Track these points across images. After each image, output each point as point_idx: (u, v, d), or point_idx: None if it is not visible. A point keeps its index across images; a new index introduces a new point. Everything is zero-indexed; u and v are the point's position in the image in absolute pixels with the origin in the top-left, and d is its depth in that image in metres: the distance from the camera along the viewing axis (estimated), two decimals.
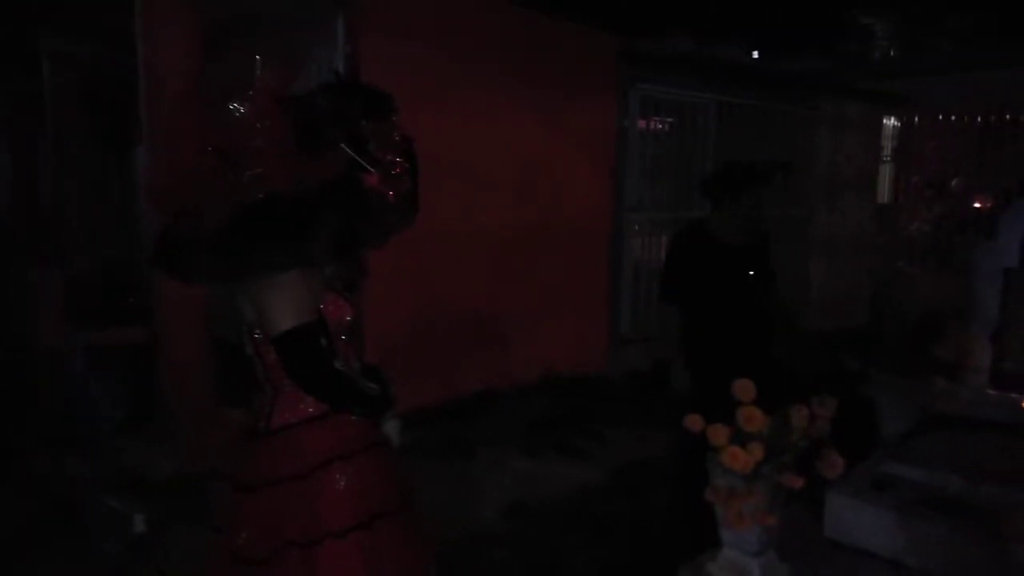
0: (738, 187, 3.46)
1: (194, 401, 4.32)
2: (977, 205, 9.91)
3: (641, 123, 7.15)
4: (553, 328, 6.38)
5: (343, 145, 1.86)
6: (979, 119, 9.44)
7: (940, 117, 9.85)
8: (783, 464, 2.14)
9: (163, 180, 2.09)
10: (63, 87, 6.53)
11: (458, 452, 4.97)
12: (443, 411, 5.44)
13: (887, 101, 9.86)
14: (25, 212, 6.50)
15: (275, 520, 1.88)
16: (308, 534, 1.85)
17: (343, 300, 1.99)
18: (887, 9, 18.94)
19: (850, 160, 9.36)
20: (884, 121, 10.03)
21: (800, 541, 2.50)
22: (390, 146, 1.93)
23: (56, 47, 6.39)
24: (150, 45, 4.38)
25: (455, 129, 5.45)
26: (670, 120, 7.48)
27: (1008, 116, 9.18)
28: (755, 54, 18.30)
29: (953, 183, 10.09)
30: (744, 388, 2.18)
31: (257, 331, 1.91)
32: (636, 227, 7.23)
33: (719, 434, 2.15)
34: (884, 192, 10.28)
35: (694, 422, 2.20)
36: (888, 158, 10.22)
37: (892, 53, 18.35)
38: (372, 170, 1.90)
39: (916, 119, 10.09)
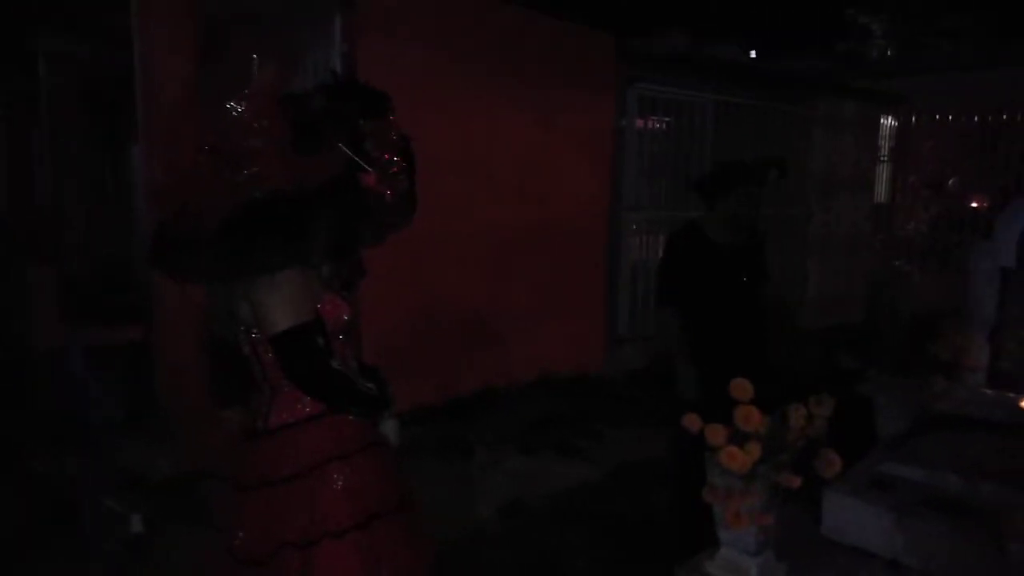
0: (731, 186, 3.44)
1: (192, 401, 4.32)
2: (974, 205, 9.93)
3: (639, 122, 7.15)
4: (551, 327, 6.38)
5: (341, 144, 1.86)
6: (976, 119, 9.45)
7: (937, 117, 9.86)
8: (781, 464, 2.14)
9: (161, 180, 2.10)
10: (60, 87, 6.53)
11: (456, 451, 4.97)
12: (441, 411, 5.44)
13: (885, 101, 9.87)
14: (23, 212, 6.50)
15: (273, 520, 1.88)
16: (306, 534, 1.85)
17: (341, 299, 1.99)
18: (885, 8, 18.98)
19: (847, 160, 9.37)
20: (881, 121, 10.04)
21: (798, 541, 2.50)
22: (388, 145, 1.93)
23: (53, 47, 6.39)
24: (147, 45, 4.37)
25: (453, 128, 5.45)
26: (668, 119, 7.48)
27: (1005, 116, 9.19)
28: (753, 53, 18.34)
29: (950, 183, 10.11)
30: (741, 387, 2.18)
31: (255, 331, 1.90)
32: (634, 226, 7.23)
33: (717, 434, 2.15)
34: (881, 192, 10.29)
35: (692, 422, 2.20)
36: (885, 158, 10.22)
37: (890, 52, 18.40)
38: (370, 169, 1.90)
39: (913, 119, 10.10)
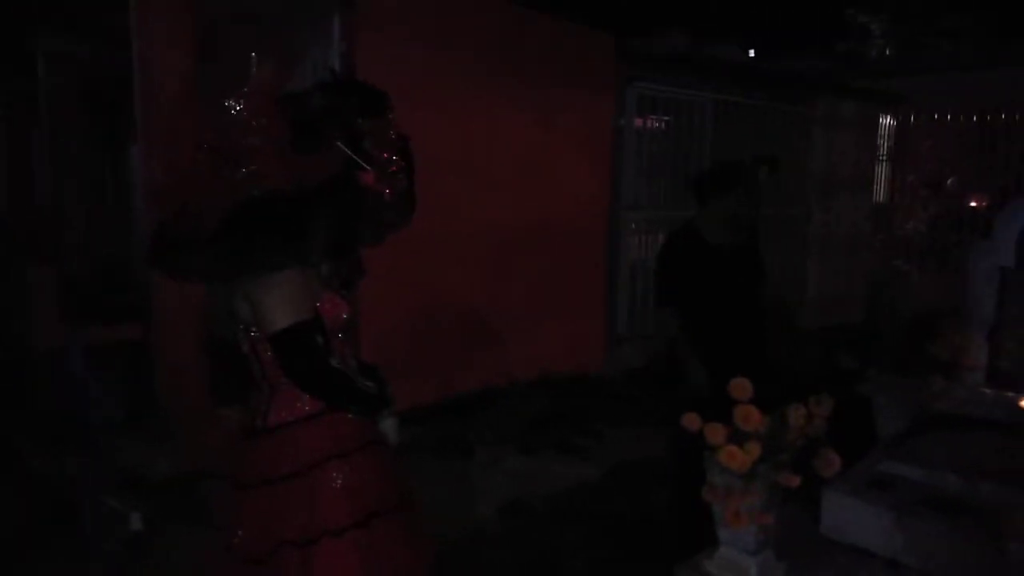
0: (724, 185, 3.43)
1: (191, 400, 4.32)
2: (973, 204, 9.93)
3: (638, 121, 7.15)
4: (550, 327, 6.38)
5: (339, 143, 1.87)
6: (975, 118, 9.45)
7: (936, 116, 9.86)
8: (780, 463, 2.14)
9: (161, 179, 2.10)
10: (60, 87, 6.52)
11: (456, 451, 4.97)
12: (441, 410, 5.44)
13: (884, 100, 9.87)
14: (22, 212, 6.49)
15: (272, 519, 1.88)
16: (305, 533, 1.85)
17: (340, 298, 1.99)
18: (885, 8, 18.98)
19: (847, 159, 9.36)
20: (881, 120, 10.04)
21: (797, 540, 2.50)
22: (386, 144, 1.93)
23: (52, 47, 6.38)
24: (146, 44, 4.37)
25: (452, 128, 5.45)
26: (667, 119, 7.48)
27: (1004, 115, 9.19)
28: (751, 53, 18.34)
29: (949, 182, 10.11)
30: (740, 387, 2.18)
31: (254, 329, 1.90)
32: (633, 225, 7.23)
33: (717, 433, 2.15)
34: (880, 191, 10.29)
35: (692, 421, 2.20)
36: (884, 157, 10.22)
37: (889, 52, 18.40)
38: (368, 168, 1.90)
39: (912, 118, 10.10)
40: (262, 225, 1.77)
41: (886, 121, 10.11)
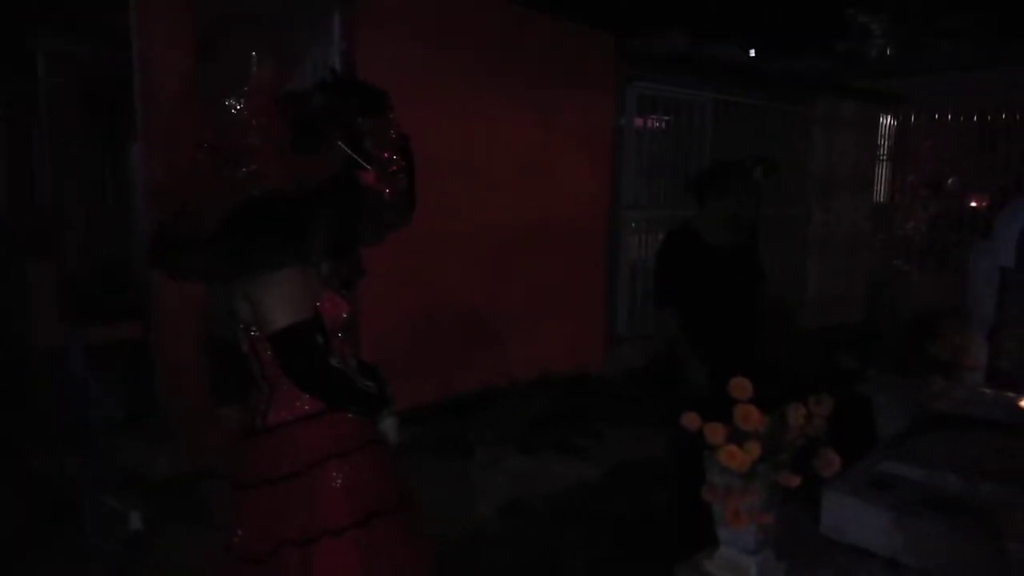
0: (720, 185, 3.43)
1: (191, 400, 4.31)
2: (973, 204, 9.93)
3: (638, 121, 7.15)
4: (550, 327, 6.38)
5: (339, 142, 1.87)
6: (975, 118, 9.45)
7: (936, 116, 9.85)
8: (780, 463, 2.14)
9: (161, 178, 2.10)
10: (60, 86, 6.52)
11: (456, 451, 4.97)
12: (441, 410, 5.44)
13: (884, 100, 9.87)
14: (22, 211, 6.49)
15: (272, 518, 1.88)
16: (305, 532, 1.85)
17: (340, 298, 1.99)
18: (885, 8, 18.98)
19: (847, 159, 9.37)
20: (881, 120, 10.04)
21: (797, 539, 2.50)
22: (386, 143, 1.93)
23: (53, 47, 6.38)
24: (146, 44, 4.37)
25: (452, 127, 5.45)
26: (667, 118, 7.48)
27: (1004, 115, 9.18)
28: (751, 53, 18.34)
29: (949, 182, 10.11)
30: (740, 386, 2.18)
31: (253, 328, 1.90)
32: (633, 225, 7.23)
33: (716, 432, 2.15)
34: (880, 191, 10.29)
35: (691, 420, 2.20)
36: (884, 157, 10.22)
37: (889, 52, 18.39)
38: (368, 167, 1.90)
39: (912, 118, 10.10)
40: (262, 225, 1.77)
41: (886, 121, 10.11)
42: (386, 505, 1.96)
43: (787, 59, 12.67)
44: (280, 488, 1.89)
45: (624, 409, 5.84)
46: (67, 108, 6.64)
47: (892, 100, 9.93)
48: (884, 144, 10.18)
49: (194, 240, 1.80)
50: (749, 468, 2.10)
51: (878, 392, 4.03)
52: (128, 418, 4.25)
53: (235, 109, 1.79)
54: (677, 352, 3.48)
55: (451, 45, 5.58)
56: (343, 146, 1.86)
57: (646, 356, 6.78)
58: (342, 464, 1.91)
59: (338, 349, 1.96)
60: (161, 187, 2.03)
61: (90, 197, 6.99)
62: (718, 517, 2.25)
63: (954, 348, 3.86)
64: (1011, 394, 3.65)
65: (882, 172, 10.26)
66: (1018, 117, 9.09)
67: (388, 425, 2.06)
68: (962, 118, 9.58)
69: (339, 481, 1.89)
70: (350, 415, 1.96)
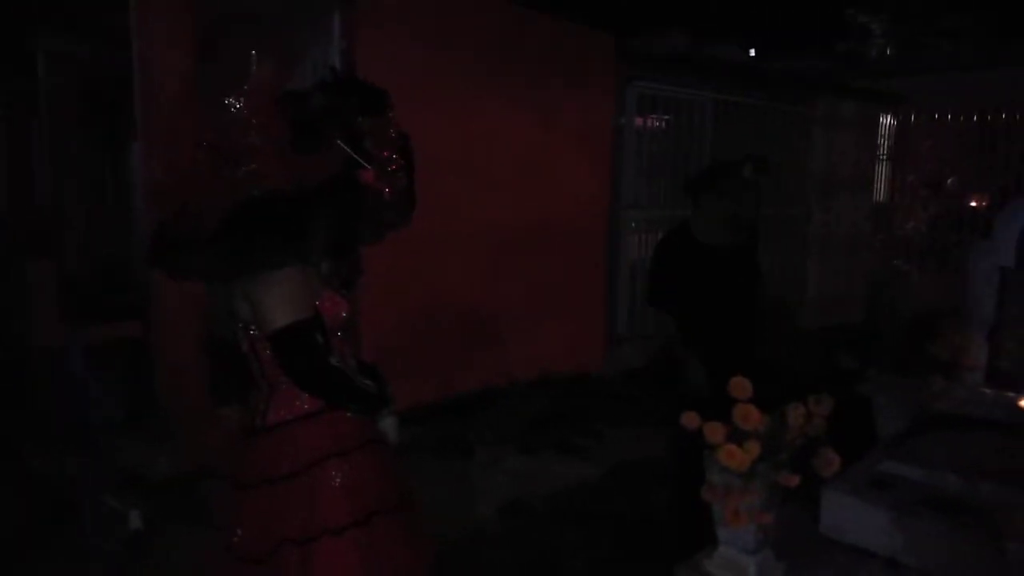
0: (710, 185, 3.42)
1: (191, 400, 4.31)
2: (973, 204, 9.93)
3: (638, 121, 7.15)
4: (550, 327, 6.38)
5: (339, 142, 1.86)
6: (975, 118, 9.45)
7: (936, 116, 9.85)
8: (780, 462, 2.14)
9: (160, 178, 2.10)
10: (60, 86, 6.53)
11: (456, 450, 4.97)
12: (441, 409, 5.44)
13: (884, 100, 9.87)
14: (22, 211, 6.49)
15: (272, 518, 1.88)
16: (305, 531, 1.85)
17: (339, 297, 1.99)
18: (885, 8, 18.98)
19: (847, 159, 9.37)
20: (880, 120, 10.04)
21: (796, 539, 2.50)
22: (386, 143, 1.93)
23: (53, 46, 6.39)
24: (146, 44, 4.37)
25: (452, 127, 5.45)
26: (667, 118, 7.48)
27: (1004, 115, 9.18)
28: (751, 53, 18.34)
29: (949, 182, 10.11)
30: (740, 386, 2.18)
31: (253, 328, 1.90)
32: (633, 225, 7.23)
33: (716, 432, 2.15)
34: (880, 191, 10.29)
35: (691, 420, 2.20)
36: (884, 157, 10.23)
37: (889, 52, 18.40)
38: (368, 167, 1.90)
39: (912, 118, 10.10)
40: (262, 224, 1.77)
41: (886, 121, 10.11)
42: (386, 505, 1.96)
43: (787, 59, 12.68)
44: (280, 487, 1.89)
45: (624, 409, 5.84)
46: (67, 108, 6.64)
47: (892, 100, 9.93)
48: (884, 144, 10.18)
49: (194, 240, 1.80)
50: (749, 468, 2.11)
51: (878, 392, 4.04)
52: (128, 418, 4.25)
53: (235, 108, 1.79)
54: (675, 352, 3.47)
55: (451, 45, 5.58)
56: (343, 146, 1.86)
57: (646, 356, 6.78)
58: (342, 463, 1.91)
59: (338, 348, 1.96)
60: (161, 187, 2.04)
61: (90, 197, 6.99)
62: (718, 517, 2.26)
63: (954, 348, 3.86)
64: (1011, 394, 3.66)
65: (882, 172, 10.26)
66: (1018, 117, 9.09)
67: (388, 424, 2.06)
68: (962, 118, 9.58)
69: (339, 480, 1.89)
70: (350, 414, 1.96)
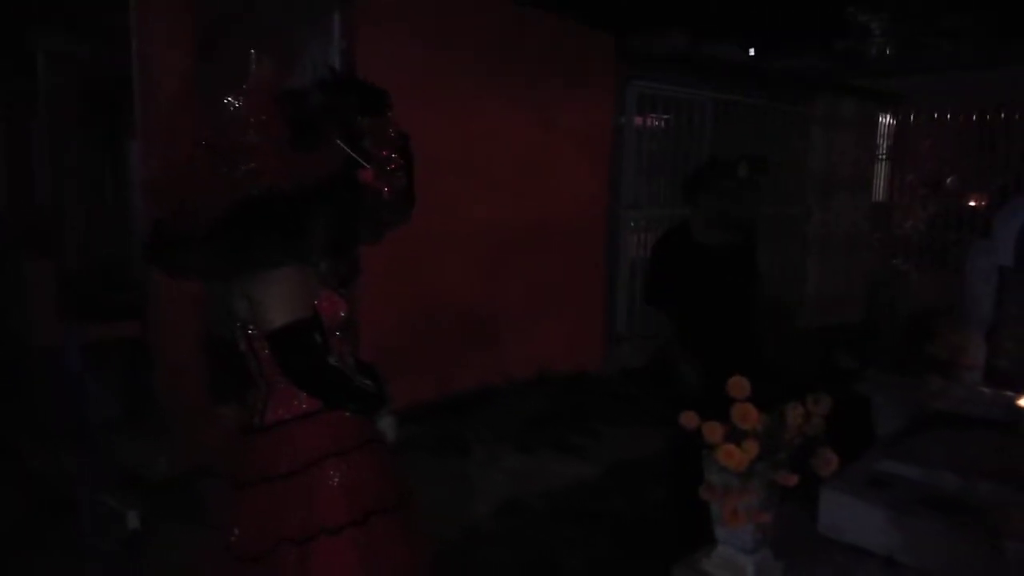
0: (708, 185, 3.42)
1: (189, 398, 4.32)
2: (972, 203, 9.94)
3: (638, 120, 7.15)
4: (549, 325, 6.38)
5: (338, 141, 1.86)
6: (975, 118, 9.45)
7: (935, 115, 9.86)
8: (778, 462, 2.14)
9: (159, 176, 2.09)
10: (60, 86, 6.52)
11: (454, 449, 4.97)
12: (439, 408, 5.44)
13: (883, 99, 9.87)
14: (22, 210, 6.49)
15: (270, 517, 1.88)
16: (303, 530, 1.85)
17: (338, 296, 1.99)
18: (885, 8, 18.98)
19: (846, 159, 9.37)
20: (880, 119, 10.04)
21: (795, 539, 2.50)
22: (385, 142, 1.93)
23: (52, 46, 6.38)
24: (146, 44, 4.37)
25: (452, 126, 5.45)
26: (667, 117, 7.48)
27: (1004, 115, 9.19)
28: (751, 53, 18.34)
29: (948, 181, 10.11)
30: (738, 385, 2.18)
31: (251, 327, 1.90)
32: (632, 224, 7.23)
33: (714, 431, 2.15)
34: (880, 190, 10.29)
35: (689, 419, 2.20)
36: (884, 156, 10.23)
37: (889, 52, 18.40)
38: (367, 166, 1.90)
39: (912, 117, 10.10)
40: (260, 223, 1.77)
41: (885, 120, 10.11)
42: (384, 504, 1.96)
43: (787, 58, 12.68)
44: (278, 487, 1.89)
45: (622, 408, 5.84)
46: (67, 108, 6.63)
47: (891, 99, 9.93)
48: (883, 143, 10.18)
49: (192, 238, 1.80)
50: (747, 467, 2.10)
51: (876, 391, 4.04)
52: (126, 417, 4.25)
53: (234, 107, 1.79)
54: (670, 352, 3.48)
55: (451, 44, 5.58)
56: (342, 145, 1.86)
57: (645, 355, 6.78)
58: (340, 463, 1.91)
59: (336, 348, 1.97)
60: (159, 184, 2.03)
61: (89, 196, 6.99)
62: (716, 516, 2.25)
63: (952, 347, 3.86)
64: (1009, 393, 3.65)
65: (881, 171, 10.26)
66: (1018, 117, 9.10)
67: (386, 424, 2.07)
68: (962, 118, 9.59)
69: (337, 480, 1.89)
70: (348, 414, 1.96)
